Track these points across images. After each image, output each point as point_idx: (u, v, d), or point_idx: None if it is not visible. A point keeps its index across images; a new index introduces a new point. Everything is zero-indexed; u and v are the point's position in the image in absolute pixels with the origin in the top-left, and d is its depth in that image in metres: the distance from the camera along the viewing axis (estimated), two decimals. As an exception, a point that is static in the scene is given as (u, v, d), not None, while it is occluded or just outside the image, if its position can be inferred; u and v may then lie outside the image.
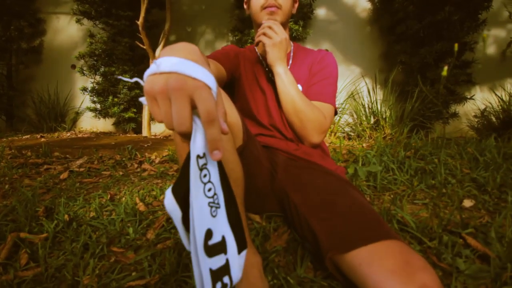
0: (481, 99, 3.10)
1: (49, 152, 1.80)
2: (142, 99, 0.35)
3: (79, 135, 3.02)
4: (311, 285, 0.60)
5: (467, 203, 0.82)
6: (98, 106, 3.34)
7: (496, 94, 3.04)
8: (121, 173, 1.36)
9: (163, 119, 0.32)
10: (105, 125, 3.68)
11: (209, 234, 0.31)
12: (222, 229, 0.33)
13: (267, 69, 0.88)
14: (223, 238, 0.33)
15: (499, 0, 3.08)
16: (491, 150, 1.20)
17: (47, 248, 0.78)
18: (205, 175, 0.32)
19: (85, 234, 0.82)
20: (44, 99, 3.76)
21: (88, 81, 3.44)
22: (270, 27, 0.80)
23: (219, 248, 0.32)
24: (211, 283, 0.30)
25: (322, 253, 0.56)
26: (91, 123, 3.73)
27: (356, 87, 3.24)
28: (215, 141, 0.31)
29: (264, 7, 0.82)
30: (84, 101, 3.69)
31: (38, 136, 2.87)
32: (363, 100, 3.09)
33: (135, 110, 3.34)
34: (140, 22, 2.80)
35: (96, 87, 3.27)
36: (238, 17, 3.20)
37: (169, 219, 0.88)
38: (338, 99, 3.14)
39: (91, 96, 3.32)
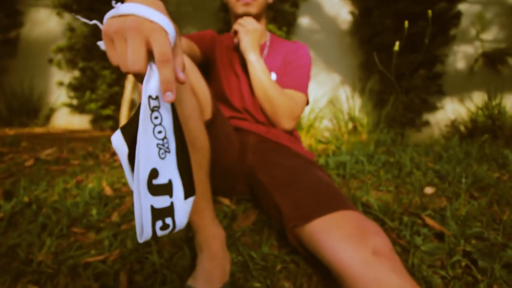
0: (452, 109, 3.29)
1: (17, 142, 1.71)
2: (100, 43, 0.35)
3: (52, 131, 2.89)
4: (275, 261, 0.61)
5: (428, 190, 0.86)
6: (75, 102, 3.23)
7: (465, 106, 3.24)
8: (91, 162, 1.31)
9: (118, 61, 0.32)
10: (81, 122, 3.54)
11: (154, 173, 0.31)
12: (170, 173, 0.33)
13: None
14: (170, 181, 0.32)
15: (468, 20, 3.32)
16: (454, 148, 1.27)
17: (2, 228, 0.73)
18: (156, 117, 0.32)
19: (45, 216, 0.78)
20: (16, 93, 3.58)
21: (66, 76, 3.33)
22: (244, 20, 0.83)
23: (164, 189, 0.32)
24: (151, 220, 0.30)
25: (285, 226, 0.57)
26: (66, 120, 3.58)
27: (335, 93, 3.34)
28: (168, 82, 0.31)
29: None
30: (60, 97, 3.55)
31: (7, 130, 2.72)
32: (342, 106, 3.19)
33: (113, 107, 3.26)
34: (123, 18, 2.76)
35: (73, 82, 3.17)
36: (223, 20, 3.24)
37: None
38: (318, 105, 3.22)
39: (67, 91, 3.21)
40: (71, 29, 3.19)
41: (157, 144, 0.31)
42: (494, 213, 0.75)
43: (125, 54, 0.31)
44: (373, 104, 3.09)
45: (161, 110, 0.32)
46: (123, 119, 3.04)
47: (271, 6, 3.01)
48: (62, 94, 3.40)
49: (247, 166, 0.74)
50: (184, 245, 0.63)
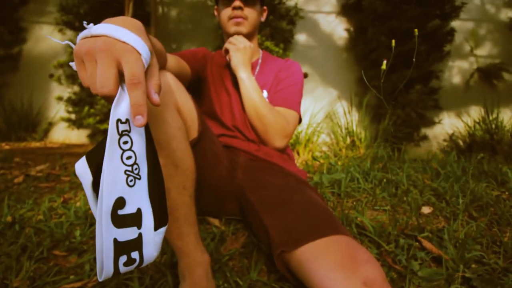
0: (449, 124, 3.29)
1: (10, 157, 1.69)
2: (72, 64, 0.34)
3: (49, 145, 2.88)
4: (263, 288, 0.57)
5: (426, 209, 0.83)
6: (73, 116, 3.24)
7: (462, 120, 3.25)
8: (82, 179, 1.29)
9: (89, 82, 0.31)
10: (78, 137, 3.54)
11: (120, 202, 0.28)
12: (139, 201, 0.30)
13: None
14: (139, 210, 0.30)
15: (461, 36, 3.38)
16: (452, 165, 1.25)
17: (-21, 251, 0.70)
18: (125, 142, 0.30)
19: (26, 237, 0.75)
20: (16, 108, 3.60)
21: (65, 91, 3.36)
22: (235, 38, 0.84)
23: (132, 220, 0.29)
24: (113, 255, 0.27)
25: (273, 251, 0.54)
26: (64, 135, 3.58)
27: (332, 108, 3.35)
28: (138, 106, 0.30)
29: (231, 18, 0.85)
30: (59, 111, 3.57)
31: (3, 145, 2.71)
32: (340, 121, 3.19)
33: (111, 122, 3.25)
34: (122, 35, 2.81)
35: (73, 97, 3.20)
36: (222, 37, 3.30)
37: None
38: (316, 120, 3.22)
39: (66, 105, 3.23)
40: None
41: (125, 171, 0.29)
42: (494, 235, 0.72)
43: (95, 76, 0.30)
44: (370, 118, 3.09)
45: (132, 134, 0.31)
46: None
47: (268, 23, 3.07)
48: (61, 109, 3.42)
49: (237, 185, 0.72)
50: (167, 271, 0.60)
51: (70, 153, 2.05)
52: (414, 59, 0.56)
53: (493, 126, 2.98)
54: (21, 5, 3.88)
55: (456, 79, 3.41)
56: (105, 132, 3.24)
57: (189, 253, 0.53)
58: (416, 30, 0.56)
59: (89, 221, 0.83)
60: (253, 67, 0.91)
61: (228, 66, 0.91)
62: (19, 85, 3.72)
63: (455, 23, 3.11)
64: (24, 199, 1.01)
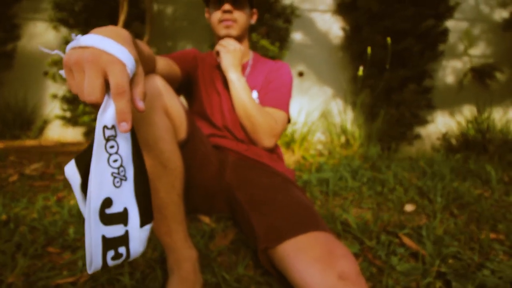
0: (443, 123, 3.34)
1: (4, 156, 1.70)
2: (61, 72, 0.36)
3: (44, 143, 2.88)
4: (249, 282, 0.60)
5: (409, 207, 0.86)
6: (68, 114, 3.24)
7: (455, 119, 3.29)
8: (77, 177, 1.30)
9: (77, 90, 0.34)
10: (74, 134, 3.54)
11: (108, 202, 0.31)
12: (126, 201, 0.33)
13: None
14: (125, 209, 0.33)
15: (455, 36, 3.42)
16: (439, 164, 1.28)
17: (-26, 248, 0.72)
18: (111, 146, 0.32)
19: (21, 235, 0.77)
20: (10, 105, 3.59)
21: (60, 89, 3.36)
22: (226, 41, 0.86)
23: (119, 218, 0.32)
24: (102, 250, 0.30)
25: (257, 247, 0.57)
26: (59, 133, 3.58)
27: (328, 107, 3.38)
28: (123, 113, 0.32)
29: (221, 21, 0.87)
30: (53, 109, 3.56)
31: (-2, 143, 2.70)
32: (335, 119, 3.22)
33: (107, 120, 3.25)
34: (118, 32, 2.81)
35: (67, 95, 3.19)
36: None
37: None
38: (311, 118, 3.25)
39: (61, 103, 3.22)
40: (67, 42, 3.24)
41: (112, 173, 0.32)
42: (472, 232, 0.75)
43: (82, 85, 0.32)
44: (364, 117, 3.13)
45: (118, 139, 0.33)
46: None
47: (264, 22, 3.08)
48: (56, 106, 3.42)
49: (226, 184, 0.75)
50: (157, 266, 0.62)
51: (64, 151, 2.06)
52: (387, 66, 0.58)
53: (485, 125, 3.03)
54: (15, 2, 3.85)
55: (450, 79, 3.46)
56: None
57: (177, 249, 0.56)
58: (389, 38, 0.58)
59: (83, 219, 0.85)
60: (243, 68, 0.93)
61: (218, 67, 0.93)
62: (13, 83, 3.70)
63: (449, 23, 3.14)
64: (19, 197, 1.03)
